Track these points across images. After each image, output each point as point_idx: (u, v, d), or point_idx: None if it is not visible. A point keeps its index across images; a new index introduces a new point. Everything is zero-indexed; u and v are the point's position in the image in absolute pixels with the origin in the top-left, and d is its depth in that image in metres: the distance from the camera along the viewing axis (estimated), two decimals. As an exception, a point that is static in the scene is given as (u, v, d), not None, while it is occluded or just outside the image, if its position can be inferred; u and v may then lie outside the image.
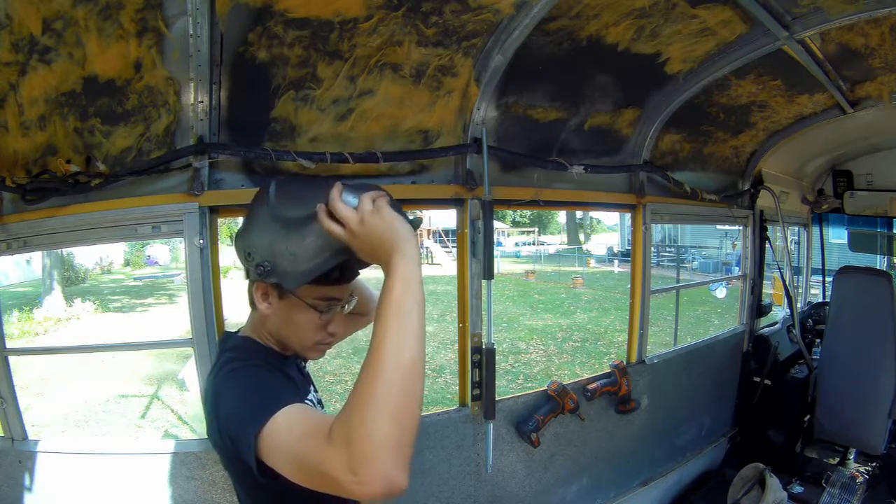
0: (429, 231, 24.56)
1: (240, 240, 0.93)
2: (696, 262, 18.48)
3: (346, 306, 1.00)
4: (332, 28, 1.44)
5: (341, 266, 0.89)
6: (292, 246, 0.86)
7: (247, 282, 0.98)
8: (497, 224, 23.98)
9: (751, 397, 3.16)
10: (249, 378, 0.87)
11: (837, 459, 3.07)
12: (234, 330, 1.10)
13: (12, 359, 1.69)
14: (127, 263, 22.01)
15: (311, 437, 0.69)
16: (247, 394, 0.83)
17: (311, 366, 1.21)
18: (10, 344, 2.60)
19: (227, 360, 0.93)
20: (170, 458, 1.64)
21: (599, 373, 2.45)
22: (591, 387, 2.31)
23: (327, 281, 0.91)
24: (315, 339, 0.97)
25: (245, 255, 0.91)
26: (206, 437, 0.91)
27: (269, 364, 0.93)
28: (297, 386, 1.01)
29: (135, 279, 18.18)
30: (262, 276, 0.88)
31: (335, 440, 0.65)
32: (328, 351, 1.04)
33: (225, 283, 1.68)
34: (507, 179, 2.07)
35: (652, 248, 2.84)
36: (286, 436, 0.72)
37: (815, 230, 4.23)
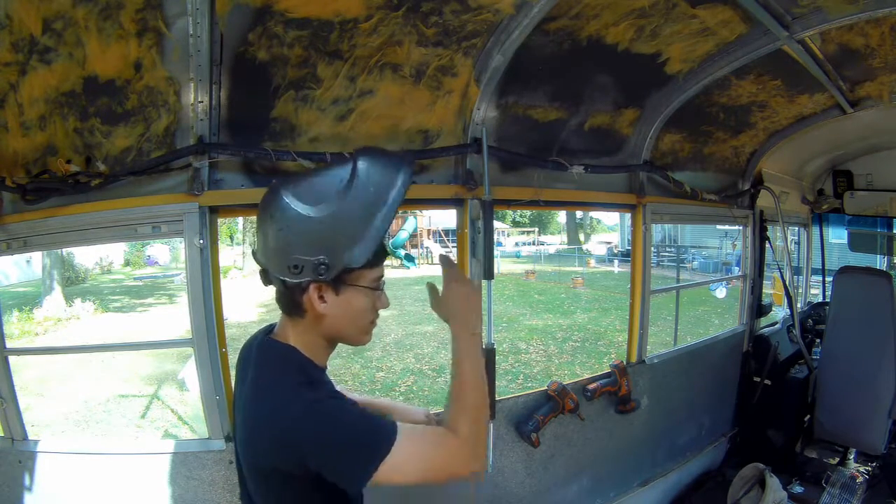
0: (429, 231, 24.54)
1: (276, 260, 0.92)
2: (696, 262, 18.46)
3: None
4: (332, 28, 1.44)
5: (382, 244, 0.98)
6: (346, 228, 0.90)
7: (268, 288, 1.00)
8: (497, 224, 23.95)
9: (751, 397, 3.16)
10: (342, 415, 0.91)
11: (837, 459, 3.06)
12: (265, 332, 1.08)
13: (12, 359, 1.69)
14: (127, 263, 22.00)
15: (439, 447, 0.92)
16: (350, 433, 0.89)
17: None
18: (10, 344, 2.60)
19: (298, 384, 0.93)
20: (170, 458, 1.64)
21: (599, 373, 2.45)
22: (591, 387, 2.31)
23: (380, 258, 0.98)
24: (369, 320, 1.04)
25: (290, 269, 0.91)
26: (240, 453, 0.98)
27: (329, 389, 0.98)
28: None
29: (135, 279, 18.17)
30: (323, 274, 0.90)
31: (464, 443, 0.92)
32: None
33: (225, 283, 1.69)
34: (507, 179, 2.07)
35: (652, 248, 2.84)
36: (414, 455, 0.90)
37: (815, 230, 4.23)
